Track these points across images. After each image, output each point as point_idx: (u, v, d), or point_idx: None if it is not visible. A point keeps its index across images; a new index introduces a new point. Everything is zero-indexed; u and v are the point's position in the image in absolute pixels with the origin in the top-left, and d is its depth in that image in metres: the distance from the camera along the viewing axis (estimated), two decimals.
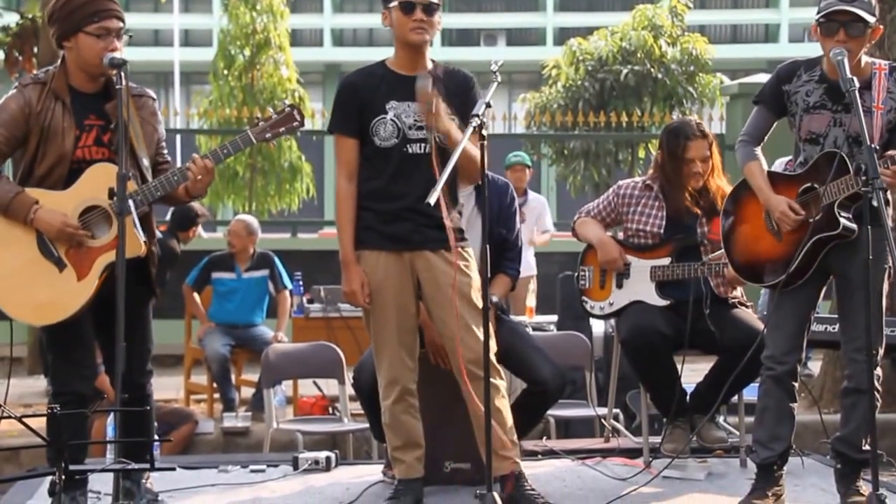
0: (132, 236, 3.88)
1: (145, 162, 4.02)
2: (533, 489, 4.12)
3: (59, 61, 4.04)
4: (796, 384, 4.26)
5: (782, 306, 4.16)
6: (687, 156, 4.86)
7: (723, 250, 4.49)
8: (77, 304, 3.94)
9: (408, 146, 4.10)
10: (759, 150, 4.28)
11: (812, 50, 4.26)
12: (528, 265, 8.14)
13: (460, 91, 4.12)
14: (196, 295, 7.78)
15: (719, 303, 4.82)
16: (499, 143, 10.06)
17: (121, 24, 3.97)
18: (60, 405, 3.84)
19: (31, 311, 4.00)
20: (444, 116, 3.99)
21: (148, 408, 4.10)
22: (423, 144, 4.10)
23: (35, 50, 9.92)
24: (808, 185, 4.14)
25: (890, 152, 3.96)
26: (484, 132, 3.88)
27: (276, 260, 7.88)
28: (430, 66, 4.16)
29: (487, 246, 3.85)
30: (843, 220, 4.05)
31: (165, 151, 4.22)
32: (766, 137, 4.31)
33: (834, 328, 4.99)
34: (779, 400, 4.23)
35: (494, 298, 4.47)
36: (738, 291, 4.90)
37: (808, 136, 4.16)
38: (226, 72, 15.07)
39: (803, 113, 4.16)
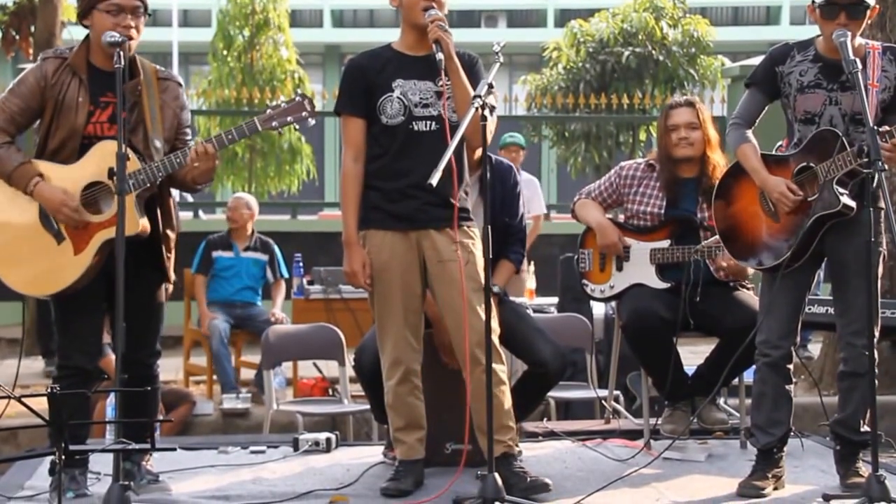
0: (129, 215, 3.87)
1: (157, 144, 4.02)
2: (522, 467, 4.12)
3: (83, 39, 4.08)
4: (791, 366, 4.26)
5: (776, 290, 4.15)
6: (670, 123, 4.86)
7: (717, 236, 4.48)
8: (71, 277, 3.95)
9: (413, 123, 4.10)
10: (750, 133, 4.26)
11: (814, 33, 4.24)
12: None
13: (465, 70, 4.10)
14: (202, 279, 7.75)
15: (720, 286, 4.80)
16: (499, 124, 10.04)
17: (136, 3, 3.99)
18: (63, 378, 3.90)
19: (24, 281, 4.01)
20: (451, 40, 4.00)
21: (150, 388, 4.10)
22: (428, 122, 4.10)
23: (32, 29, 9.88)
24: (804, 164, 4.13)
25: (886, 127, 3.94)
26: (487, 113, 3.87)
27: (277, 249, 7.88)
28: (434, 47, 4.14)
29: (489, 227, 3.84)
30: (842, 198, 4.03)
31: (188, 137, 4.18)
32: (757, 120, 4.29)
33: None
34: (775, 385, 4.23)
35: (496, 288, 4.46)
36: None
37: (804, 115, 4.14)
38: (225, 52, 15.03)
39: (797, 93, 4.14)
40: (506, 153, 8.55)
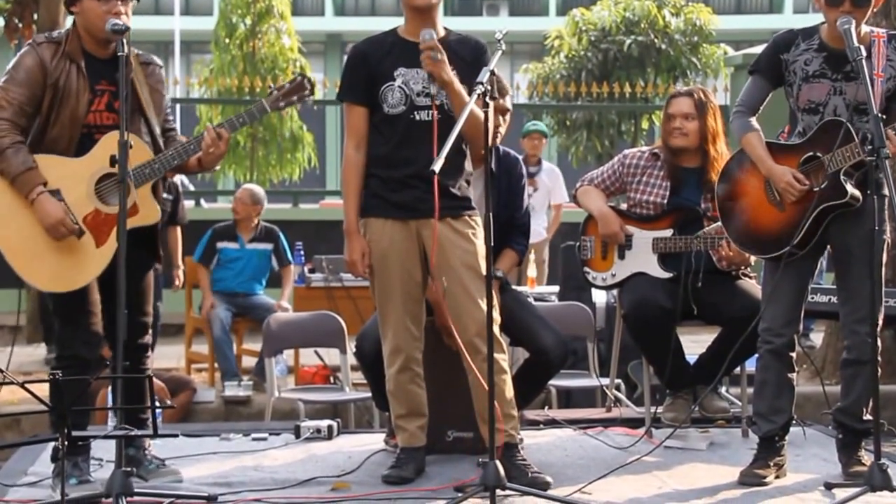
0: (149, 204, 3.92)
1: (157, 129, 4.03)
2: (524, 459, 4.12)
3: (71, 26, 4.04)
4: (794, 354, 4.25)
5: (780, 278, 4.14)
6: (668, 112, 4.87)
7: (719, 224, 4.47)
8: (96, 270, 3.96)
9: (415, 113, 4.09)
10: (755, 121, 4.25)
11: (817, 21, 4.23)
12: (536, 232, 8.15)
13: (472, 58, 4.10)
14: (204, 270, 7.74)
15: (722, 274, 4.79)
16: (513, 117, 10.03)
17: None
18: (62, 369, 3.88)
19: (48, 279, 3.98)
20: (447, 67, 3.97)
21: (149, 374, 4.11)
22: (430, 111, 4.08)
23: (35, 17, 9.87)
24: (811, 154, 4.12)
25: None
26: (489, 103, 3.86)
27: (282, 236, 7.88)
28: (442, 32, 4.14)
29: (491, 216, 3.83)
30: (849, 188, 4.02)
31: (171, 118, 4.23)
32: (761, 108, 4.28)
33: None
34: (778, 373, 4.23)
35: (499, 273, 4.47)
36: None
37: (808, 105, 4.13)
38: (227, 41, 15.00)
39: (802, 82, 4.13)
40: (528, 140, 8.62)
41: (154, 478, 4.11)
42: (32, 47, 3.98)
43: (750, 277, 4.87)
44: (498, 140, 4.59)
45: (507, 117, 4.62)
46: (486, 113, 3.86)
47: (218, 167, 4.26)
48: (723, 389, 5.18)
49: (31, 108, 3.94)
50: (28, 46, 4.01)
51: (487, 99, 3.82)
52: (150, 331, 4.22)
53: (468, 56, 4.11)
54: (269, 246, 7.82)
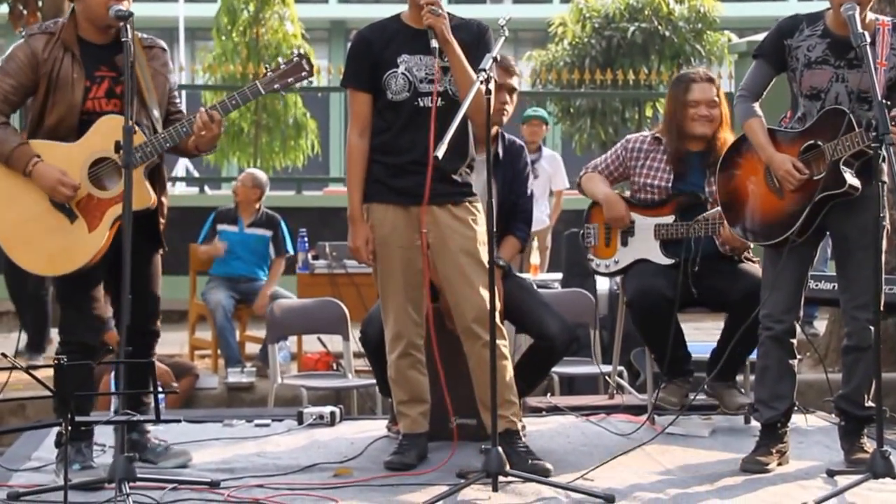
0: (141, 188, 3.90)
1: (156, 113, 4.03)
2: (526, 446, 4.12)
3: (69, 13, 4.05)
4: (795, 341, 4.25)
5: (779, 265, 4.14)
6: (690, 98, 4.78)
7: (718, 208, 4.46)
8: (88, 254, 3.96)
9: (418, 100, 4.09)
10: (758, 107, 4.24)
11: (821, 8, 4.21)
12: (539, 219, 8.15)
13: (474, 41, 4.10)
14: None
15: (723, 258, 4.78)
16: (520, 101, 10.03)
17: None
18: (66, 354, 3.90)
19: (42, 263, 4.02)
20: (447, 23, 3.96)
21: (151, 360, 4.12)
22: (433, 98, 4.07)
23: (39, 3, 9.86)
24: (811, 142, 4.11)
25: None
26: (491, 87, 3.85)
27: (283, 224, 7.87)
28: (430, 32, 4.12)
29: (493, 202, 3.83)
30: (848, 178, 4.02)
31: (178, 101, 4.22)
32: (764, 93, 4.27)
33: None
34: (779, 359, 4.22)
35: (501, 262, 4.47)
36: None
37: (810, 91, 4.12)
38: (230, 27, 14.97)
39: (804, 68, 4.12)
40: (527, 127, 8.61)
41: (164, 460, 4.14)
42: (26, 39, 4.01)
43: (753, 261, 4.86)
44: (505, 119, 4.59)
45: (515, 97, 4.61)
46: (488, 100, 3.86)
47: (214, 150, 4.22)
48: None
49: (18, 97, 4.00)
50: (23, 39, 4.03)
51: (490, 86, 3.82)
52: (160, 318, 4.21)
53: (470, 39, 4.10)
54: (268, 233, 7.82)
